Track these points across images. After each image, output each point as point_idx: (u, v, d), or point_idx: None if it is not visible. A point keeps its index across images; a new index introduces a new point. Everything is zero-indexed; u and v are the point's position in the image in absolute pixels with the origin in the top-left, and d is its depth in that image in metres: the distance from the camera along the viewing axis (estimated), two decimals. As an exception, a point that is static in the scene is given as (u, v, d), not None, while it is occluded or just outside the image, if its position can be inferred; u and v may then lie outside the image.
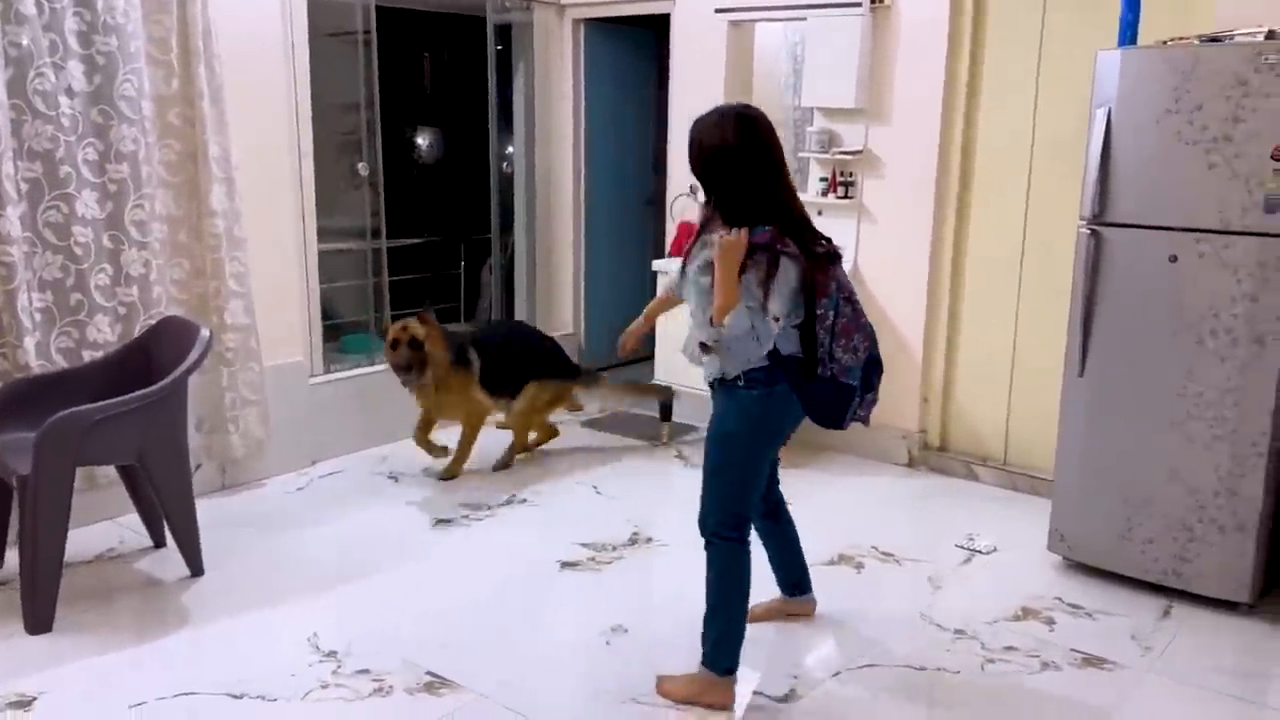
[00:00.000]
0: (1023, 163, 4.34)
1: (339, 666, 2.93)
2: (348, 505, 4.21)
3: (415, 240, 6.06)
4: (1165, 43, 3.32)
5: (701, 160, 2.63)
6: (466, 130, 5.67)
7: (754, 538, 2.79)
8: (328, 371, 4.79)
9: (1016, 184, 4.38)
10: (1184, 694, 2.87)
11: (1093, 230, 3.38)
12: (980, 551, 3.77)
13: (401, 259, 5.84)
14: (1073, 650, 3.07)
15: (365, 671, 2.90)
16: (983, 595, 3.40)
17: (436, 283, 6.20)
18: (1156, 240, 3.25)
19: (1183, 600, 3.36)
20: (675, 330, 4.84)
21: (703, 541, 2.74)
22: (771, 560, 3.17)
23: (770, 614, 3.21)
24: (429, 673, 2.89)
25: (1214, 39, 3.24)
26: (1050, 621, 3.25)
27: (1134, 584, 3.45)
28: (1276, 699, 2.92)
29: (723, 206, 2.62)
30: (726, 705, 2.74)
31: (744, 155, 2.57)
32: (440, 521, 4.03)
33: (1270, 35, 3.14)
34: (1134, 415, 3.37)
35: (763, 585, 3.03)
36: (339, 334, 5.06)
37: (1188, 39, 3.32)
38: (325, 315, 4.83)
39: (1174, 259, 3.23)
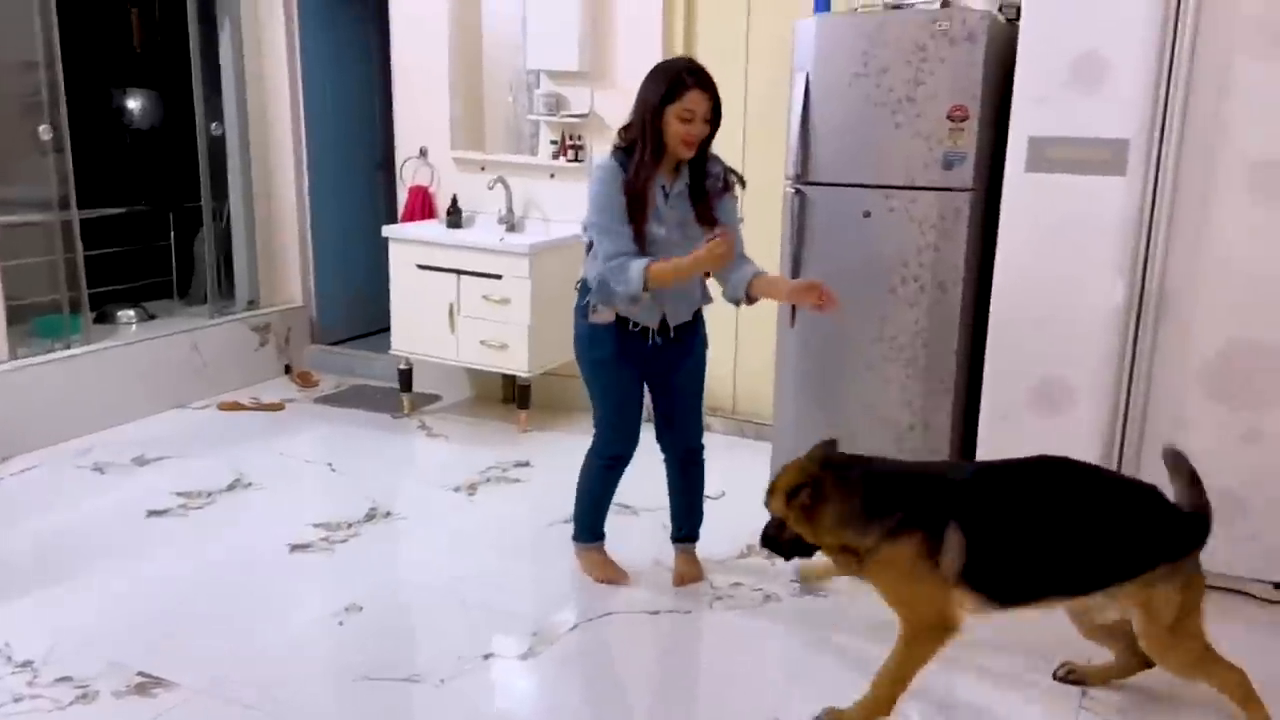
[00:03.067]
0: (737, 125, 4.52)
1: (35, 677, 2.67)
2: (46, 502, 3.84)
3: (116, 210, 5.54)
4: (855, 10, 3.55)
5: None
6: (185, 91, 5.22)
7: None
8: (15, 358, 4.32)
9: (732, 145, 4.55)
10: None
11: (797, 190, 3.58)
12: (709, 496, 3.93)
13: (104, 231, 5.34)
14: (792, 581, 3.28)
15: (66, 679, 2.66)
16: (713, 537, 3.55)
17: (144, 256, 5.71)
18: (852, 197, 3.49)
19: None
20: (412, 299, 4.74)
21: (680, 456, 3.27)
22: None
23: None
24: (140, 673, 2.68)
25: (897, 6, 3.49)
26: (772, 556, 3.45)
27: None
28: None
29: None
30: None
31: None
32: (154, 513, 3.74)
33: (945, 3, 3.42)
34: (838, 360, 3.62)
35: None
36: (28, 316, 4.56)
37: (874, 7, 3.56)
38: (11, 295, 4.35)
39: (868, 214, 3.47)
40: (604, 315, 2.99)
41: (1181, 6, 2.94)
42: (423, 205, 5.22)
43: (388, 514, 3.78)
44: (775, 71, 4.28)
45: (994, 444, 3.38)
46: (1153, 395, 3.18)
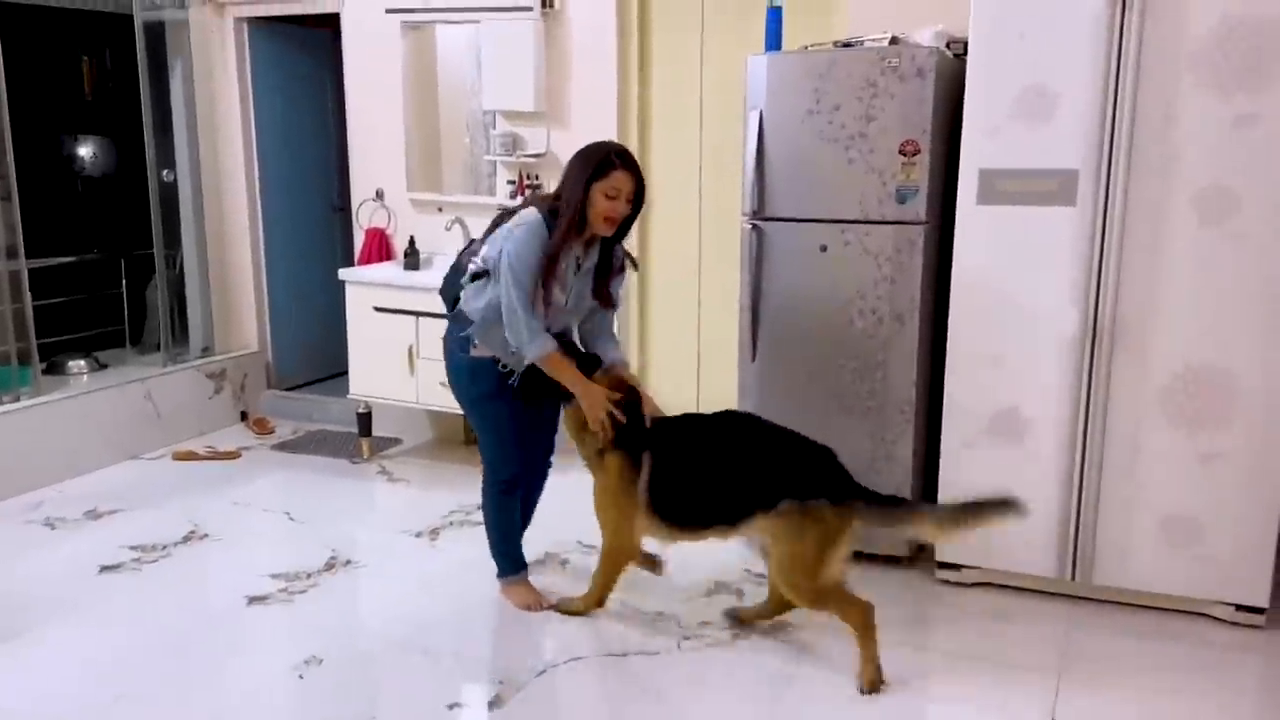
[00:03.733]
0: (693, 163, 4.56)
1: (-20, 746, 2.57)
2: (-6, 561, 3.73)
3: (66, 259, 5.45)
4: (806, 48, 3.59)
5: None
6: (135, 139, 5.17)
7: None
8: (-39, 412, 4.21)
9: (689, 183, 4.59)
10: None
11: (754, 225, 3.59)
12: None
13: (54, 280, 5.25)
14: (725, 614, 3.26)
15: (13, 747, 2.57)
16: (680, 575, 3.51)
17: (96, 304, 5.61)
18: (808, 232, 3.51)
19: (857, 559, 3.64)
20: (370, 342, 4.70)
21: (537, 483, 3.47)
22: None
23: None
24: (92, 737, 2.60)
25: (847, 44, 3.54)
26: (739, 593, 3.43)
27: (813, 550, 3.70)
28: (938, 639, 3.25)
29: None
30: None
31: None
32: (106, 568, 3.64)
33: (894, 40, 3.48)
34: (801, 393, 3.62)
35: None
36: (-26, 368, 4.47)
37: (825, 45, 3.61)
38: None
39: (824, 248, 3.49)
40: (484, 351, 3.11)
41: (1125, 38, 3.01)
42: (380, 247, 5.19)
43: (348, 562, 3.71)
44: (729, 108, 4.32)
45: (956, 474, 3.40)
46: (1110, 422, 3.21)
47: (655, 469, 2.97)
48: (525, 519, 3.49)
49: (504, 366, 3.11)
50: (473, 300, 3.07)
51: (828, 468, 2.89)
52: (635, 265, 3.27)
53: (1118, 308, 3.14)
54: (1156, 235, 3.07)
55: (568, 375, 3.04)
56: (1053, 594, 3.41)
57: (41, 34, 5.53)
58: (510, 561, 3.37)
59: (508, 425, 3.20)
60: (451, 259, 4.90)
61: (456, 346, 3.14)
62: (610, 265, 3.14)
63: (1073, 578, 3.35)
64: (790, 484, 2.83)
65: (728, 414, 3.10)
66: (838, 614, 2.89)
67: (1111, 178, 3.09)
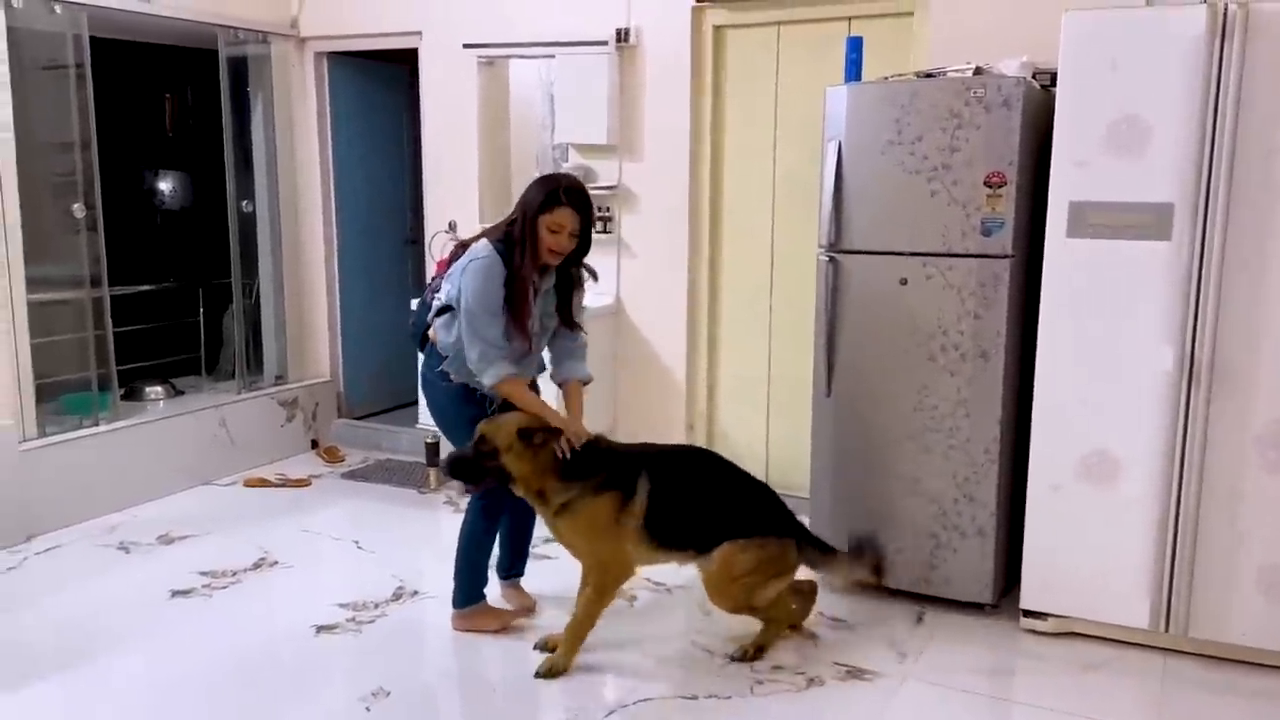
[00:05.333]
0: (766, 194, 4.51)
1: (52, 769, 2.58)
2: (70, 583, 3.77)
3: (146, 287, 5.57)
4: (887, 78, 3.53)
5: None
6: (215, 172, 5.31)
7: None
8: (43, 435, 4.29)
9: (761, 215, 4.54)
10: (939, 696, 2.98)
11: (831, 257, 3.52)
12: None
13: (134, 308, 5.36)
14: (836, 664, 3.14)
15: (84, 771, 2.56)
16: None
17: (174, 332, 5.72)
18: (888, 265, 3.43)
19: (934, 605, 3.52)
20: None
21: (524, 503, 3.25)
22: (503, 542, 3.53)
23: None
24: (160, 764, 2.59)
25: (929, 75, 3.47)
26: (813, 637, 3.32)
27: (889, 593, 3.58)
28: (1021, 693, 3.11)
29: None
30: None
31: None
32: (178, 593, 3.66)
33: (977, 71, 3.40)
34: (877, 431, 3.52)
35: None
36: (58, 393, 4.55)
37: (906, 75, 3.55)
38: (41, 372, 4.34)
39: (904, 282, 3.41)
40: (461, 378, 3.19)
41: (1224, 67, 2.89)
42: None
43: (415, 593, 3.69)
44: (802, 138, 4.27)
45: (1045, 517, 3.27)
46: (1208, 466, 3.06)
47: (653, 495, 3.07)
48: (521, 552, 3.59)
49: (478, 393, 3.19)
50: (443, 335, 3.18)
51: (780, 508, 3.23)
52: (595, 276, 3.32)
53: (1216, 346, 3.00)
54: (1258, 271, 2.94)
55: (524, 399, 3.12)
56: (1144, 646, 3.24)
57: (129, 71, 5.70)
58: (471, 589, 3.37)
59: None
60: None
61: (436, 378, 3.24)
62: (569, 284, 3.21)
63: (1166, 629, 3.18)
64: (758, 520, 3.14)
65: (695, 450, 3.40)
66: (758, 615, 3.19)
67: (1210, 211, 2.96)
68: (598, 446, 3.14)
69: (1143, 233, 3.05)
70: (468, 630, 3.35)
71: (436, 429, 4.73)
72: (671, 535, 3.11)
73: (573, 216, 3.05)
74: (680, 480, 3.17)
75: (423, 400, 3.56)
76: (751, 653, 3.17)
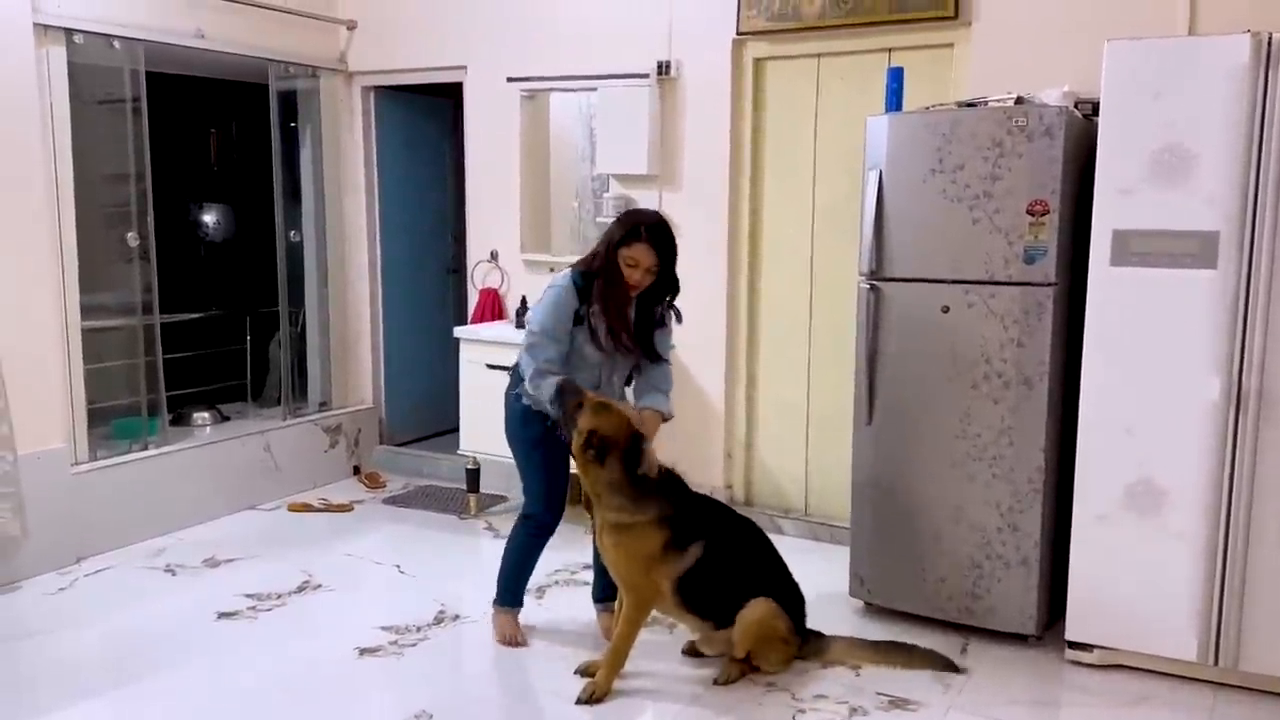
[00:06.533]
0: (805, 224, 4.53)
1: (102, 785, 2.61)
2: (118, 604, 3.83)
3: (195, 315, 5.69)
4: (928, 108, 3.56)
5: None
6: (257, 205, 5.42)
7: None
8: (94, 459, 4.38)
9: (801, 243, 4.56)
10: (983, 727, 2.95)
11: (872, 285, 3.54)
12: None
13: (182, 336, 5.47)
14: (879, 694, 3.12)
15: (134, 788, 2.60)
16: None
17: (221, 359, 5.83)
18: (930, 292, 3.44)
19: (977, 636, 3.49)
20: (482, 399, 4.75)
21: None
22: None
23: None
24: (208, 782, 2.62)
25: (970, 104, 3.49)
26: (856, 667, 3.30)
27: (932, 623, 3.55)
28: (1065, 724, 3.07)
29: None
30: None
31: None
32: (224, 615, 3.71)
33: (1019, 100, 3.42)
34: (919, 459, 3.51)
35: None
36: (109, 417, 4.65)
37: (947, 105, 3.57)
38: (92, 397, 4.44)
39: (946, 309, 3.41)
40: (529, 400, 3.24)
41: (1270, 95, 2.89)
42: (493, 307, 5.28)
43: (456, 617, 3.71)
44: (842, 167, 4.29)
45: (1091, 546, 3.24)
46: (1257, 496, 3.02)
47: (701, 563, 3.08)
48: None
49: (549, 421, 3.20)
50: (523, 359, 3.25)
51: (796, 593, 3.28)
52: (679, 318, 3.35)
53: (1265, 374, 2.97)
54: (1307, 299, 2.91)
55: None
56: (1193, 679, 3.19)
57: (178, 106, 5.84)
58: (511, 595, 3.53)
59: (551, 471, 3.38)
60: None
61: (513, 399, 3.34)
62: (651, 320, 3.26)
63: (1215, 662, 3.13)
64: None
65: (753, 529, 3.34)
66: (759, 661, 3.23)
67: (1256, 239, 2.95)
68: (672, 476, 3.16)
69: (1188, 261, 3.04)
70: (493, 627, 3.54)
71: (476, 455, 4.83)
72: (699, 602, 3.15)
73: (649, 252, 3.11)
74: (730, 558, 3.18)
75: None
76: (730, 676, 3.22)
